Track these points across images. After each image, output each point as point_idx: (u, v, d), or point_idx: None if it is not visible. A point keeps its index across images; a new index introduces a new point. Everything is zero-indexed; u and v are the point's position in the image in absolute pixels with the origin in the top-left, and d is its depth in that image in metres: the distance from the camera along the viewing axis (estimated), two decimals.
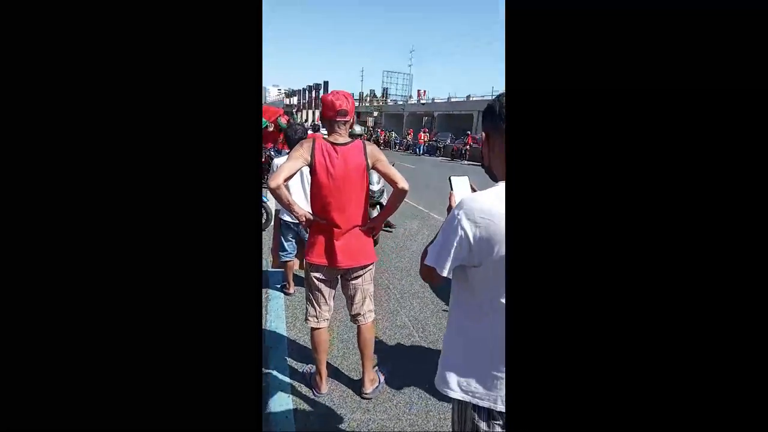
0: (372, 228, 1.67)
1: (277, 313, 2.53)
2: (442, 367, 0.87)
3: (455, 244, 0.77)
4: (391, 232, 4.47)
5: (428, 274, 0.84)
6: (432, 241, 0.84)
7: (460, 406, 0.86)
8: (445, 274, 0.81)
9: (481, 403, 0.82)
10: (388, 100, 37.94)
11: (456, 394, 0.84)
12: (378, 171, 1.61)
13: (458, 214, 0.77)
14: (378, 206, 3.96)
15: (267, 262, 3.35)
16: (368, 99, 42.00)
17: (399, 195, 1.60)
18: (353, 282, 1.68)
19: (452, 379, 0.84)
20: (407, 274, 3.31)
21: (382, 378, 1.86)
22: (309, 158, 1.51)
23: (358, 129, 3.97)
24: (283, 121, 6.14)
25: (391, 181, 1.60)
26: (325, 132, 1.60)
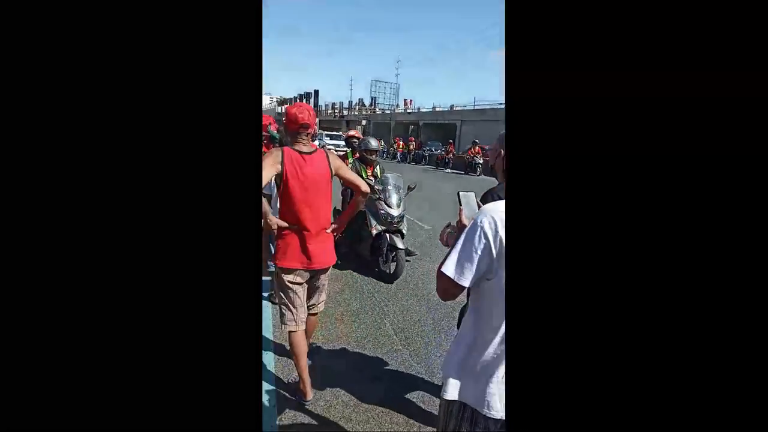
0: (335, 229, 1.81)
1: (265, 322, 2.53)
2: (442, 369, 0.91)
3: (479, 252, 0.77)
4: (409, 261, 3.76)
5: (447, 287, 0.82)
6: (446, 257, 0.83)
7: (448, 406, 0.89)
8: (466, 284, 0.80)
9: (469, 402, 0.85)
10: (377, 109, 38.24)
11: (449, 395, 0.87)
12: (341, 177, 1.76)
13: (481, 222, 0.78)
14: (399, 234, 3.40)
15: None
16: (357, 108, 42.23)
17: (361, 197, 1.80)
18: (320, 280, 1.82)
19: (449, 380, 0.88)
20: (390, 282, 3.34)
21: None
22: (279, 167, 1.60)
23: (374, 143, 3.64)
24: (273, 129, 6.10)
25: (353, 186, 1.78)
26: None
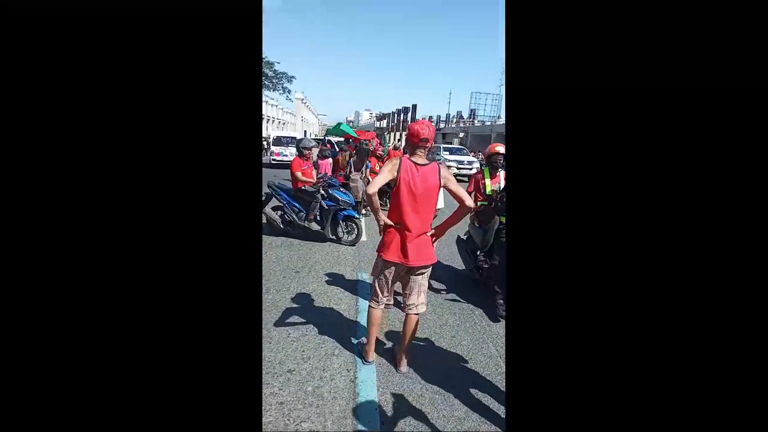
0: (434, 234, 1.98)
1: (364, 321, 2.64)
2: None
3: None
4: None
5: None
6: None
7: None
8: None
9: None
10: (476, 121, 37.41)
11: None
12: (448, 190, 1.91)
13: None
14: None
15: (359, 275, 3.53)
16: (454, 120, 41.97)
17: (464, 211, 1.90)
18: (415, 277, 1.98)
19: None
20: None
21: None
22: (396, 173, 1.84)
23: None
24: (375, 143, 6.40)
25: (458, 199, 1.89)
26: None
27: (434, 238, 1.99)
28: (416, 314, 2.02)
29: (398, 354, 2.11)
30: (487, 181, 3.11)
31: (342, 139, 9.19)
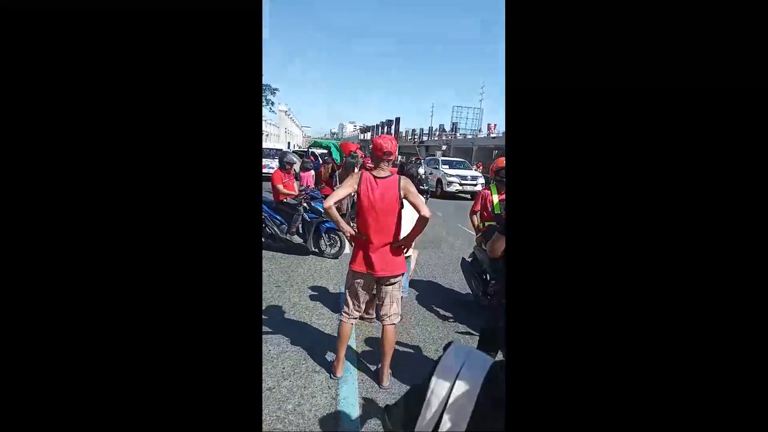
0: (401, 245, 2.01)
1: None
2: None
3: None
4: None
5: None
6: None
7: None
8: None
9: None
10: (458, 134, 38.18)
11: None
12: (408, 200, 1.95)
13: None
14: None
15: (341, 289, 3.49)
16: (437, 133, 42.75)
17: (422, 221, 1.92)
18: (386, 287, 2.03)
19: None
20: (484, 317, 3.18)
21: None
22: (356, 187, 1.93)
23: None
24: (359, 155, 6.39)
25: (416, 210, 1.93)
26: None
27: (404, 248, 2.04)
28: (392, 324, 2.03)
29: (380, 369, 2.09)
30: (495, 198, 2.87)
31: (325, 151, 9.18)
